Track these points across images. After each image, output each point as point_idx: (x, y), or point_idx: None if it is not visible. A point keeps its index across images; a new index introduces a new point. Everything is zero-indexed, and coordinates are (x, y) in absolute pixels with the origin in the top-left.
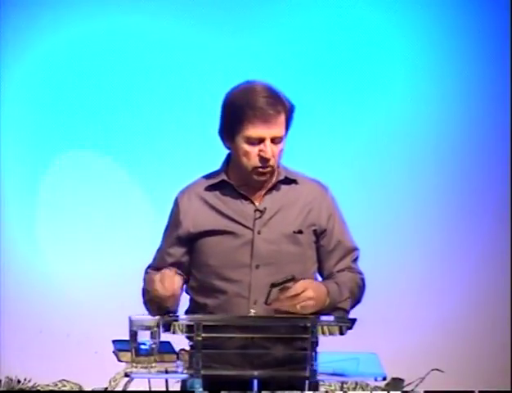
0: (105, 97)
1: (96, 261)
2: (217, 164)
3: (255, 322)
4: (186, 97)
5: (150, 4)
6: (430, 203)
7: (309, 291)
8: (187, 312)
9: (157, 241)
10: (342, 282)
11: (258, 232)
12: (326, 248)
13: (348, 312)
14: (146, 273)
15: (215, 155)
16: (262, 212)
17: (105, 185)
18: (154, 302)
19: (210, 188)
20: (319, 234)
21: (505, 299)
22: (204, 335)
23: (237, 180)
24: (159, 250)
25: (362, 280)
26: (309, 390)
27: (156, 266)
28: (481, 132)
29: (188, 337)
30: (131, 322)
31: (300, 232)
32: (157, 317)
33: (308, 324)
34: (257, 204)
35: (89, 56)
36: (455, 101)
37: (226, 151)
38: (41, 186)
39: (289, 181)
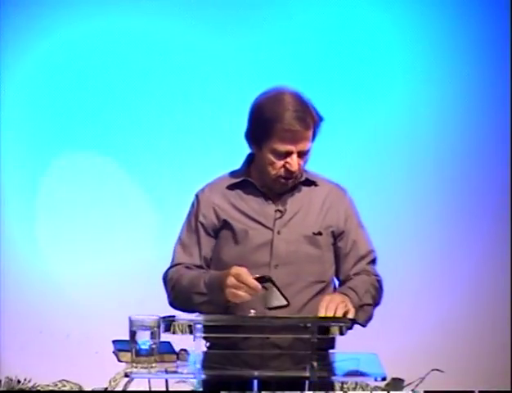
0: (105, 98)
1: (96, 261)
2: (218, 166)
3: (255, 323)
4: (186, 98)
5: (150, 5)
6: (430, 203)
7: (339, 296)
8: None
9: (156, 241)
10: (355, 286)
11: (278, 233)
12: (343, 250)
13: (372, 306)
14: (178, 271)
15: (216, 156)
16: (282, 212)
17: (105, 186)
18: (215, 305)
19: (232, 187)
20: (336, 236)
21: (505, 299)
22: (203, 335)
23: (259, 180)
24: (184, 246)
25: (379, 282)
26: (325, 390)
27: (187, 262)
28: (481, 132)
29: (205, 338)
30: (131, 322)
31: (319, 233)
32: (157, 317)
33: (308, 324)
34: (278, 204)
35: (89, 57)
36: (455, 102)
37: (227, 152)
38: (41, 186)
39: (309, 182)
